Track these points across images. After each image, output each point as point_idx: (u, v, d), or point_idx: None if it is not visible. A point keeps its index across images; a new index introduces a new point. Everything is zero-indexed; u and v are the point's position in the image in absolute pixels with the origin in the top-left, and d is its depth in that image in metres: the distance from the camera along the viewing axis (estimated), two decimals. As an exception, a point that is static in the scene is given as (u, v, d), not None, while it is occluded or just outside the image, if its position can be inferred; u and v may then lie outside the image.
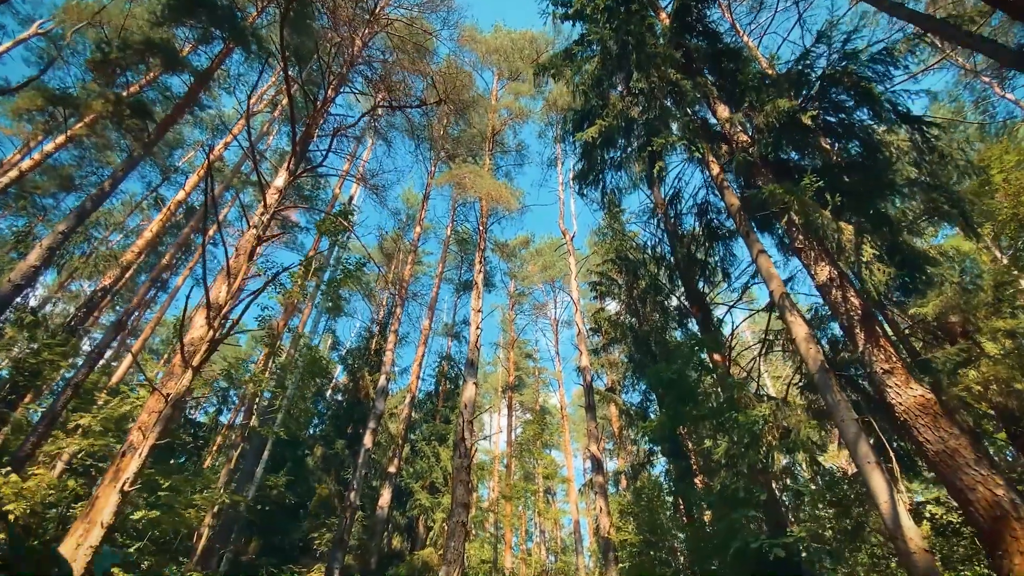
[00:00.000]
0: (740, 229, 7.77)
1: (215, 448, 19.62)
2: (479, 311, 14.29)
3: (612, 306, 21.74)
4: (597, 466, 13.58)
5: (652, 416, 18.16)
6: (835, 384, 5.84)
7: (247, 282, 10.29)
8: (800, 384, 7.96)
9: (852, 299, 6.02)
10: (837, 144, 7.15)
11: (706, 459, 15.67)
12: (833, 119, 7.12)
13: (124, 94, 14.81)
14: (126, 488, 7.19)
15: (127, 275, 17.95)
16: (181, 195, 19.11)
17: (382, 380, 15.22)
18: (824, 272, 6.41)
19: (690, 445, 16.09)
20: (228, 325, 9.18)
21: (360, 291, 30.17)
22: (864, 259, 5.76)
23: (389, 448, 18.09)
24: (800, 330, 6.43)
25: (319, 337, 25.83)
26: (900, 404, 5.18)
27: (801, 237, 6.89)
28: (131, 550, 7.08)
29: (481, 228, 16.08)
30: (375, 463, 18.83)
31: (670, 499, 13.38)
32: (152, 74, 18.02)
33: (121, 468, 7.45)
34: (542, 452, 17.74)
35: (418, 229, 20.35)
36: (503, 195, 14.62)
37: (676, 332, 21.09)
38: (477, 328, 13.82)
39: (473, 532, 17.60)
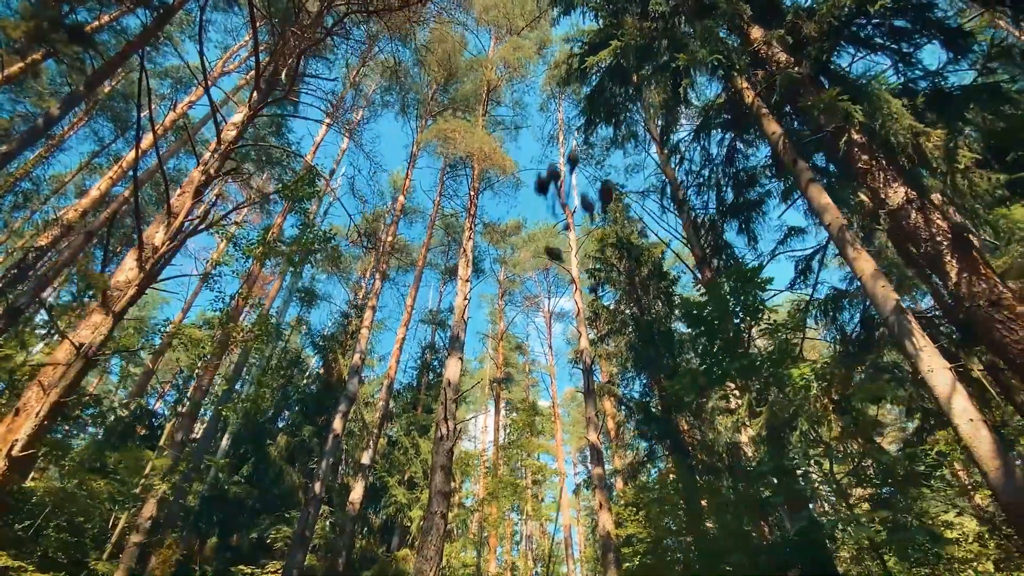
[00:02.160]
0: (784, 159, 6.73)
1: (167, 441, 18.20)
2: (467, 281, 13.15)
3: (609, 299, 20.76)
4: (596, 456, 12.48)
5: (654, 411, 17.18)
6: (916, 325, 4.80)
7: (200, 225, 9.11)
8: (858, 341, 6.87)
9: (938, 221, 4.98)
10: (908, 47, 6.13)
11: (710, 455, 14.67)
12: (905, 22, 6.10)
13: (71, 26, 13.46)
14: (15, 454, 5.96)
15: (78, 237, 16.54)
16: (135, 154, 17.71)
17: (356, 358, 13.98)
18: (899, 194, 5.37)
19: (690, 440, 15.11)
20: (159, 264, 7.99)
21: (335, 273, 28.86)
22: (959, 166, 4.73)
23: (363, 438, 16.84)
24: (866, 266, 5.39)
25: (288, 324, 24.40)
26: (1016, 343, 4.14)
27: (865, 157, 5.85)
28: (18, 529, 5.85)
29: (472, 193, 14.95)
30: (347, 454, 17.57)
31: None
32: (109, 16, 16.67)
33: (11, 430, 6.20)
34: (533, 443, 16.63)
35: (401, 199, 19.16)
36: (496, 153, 13.50)
37: (681, 325, 20.14)
38: (465, 299, 12.67)
39: (455, 532, 16.45)
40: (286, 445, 15.78)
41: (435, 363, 23.99)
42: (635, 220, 22.02)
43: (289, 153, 17.32)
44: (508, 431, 19.23)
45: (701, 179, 9.08)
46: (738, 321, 5.61)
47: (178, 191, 9.41)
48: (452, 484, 10.62)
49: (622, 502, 15.12)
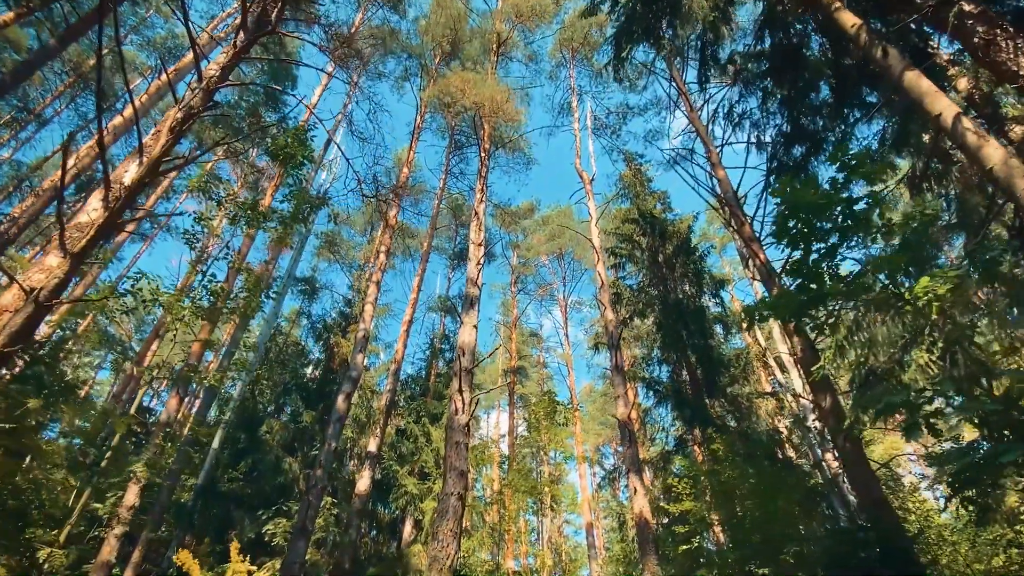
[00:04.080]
0: (870, 50, 5.74)
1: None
2: (480, 245, 12.27)
3: (632, 281, 19.75)
4: (628, 437, 11.52)
5: (686, 395, 16.15)
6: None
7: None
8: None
9: (1101, 85, 4.00)
10: None
11: (746, 442, 13.66)
12: None
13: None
14: (-54, 408, 5.15)
15: (45, 194, 15.81)
16: (118, 120, 17.03)
17: (360, 335, 13.11)
18: (1038, 61, 4.40)
19: (722, 426, 14.13)
20: (126, 202, 7.16)
21: (336, 261, 28.05)
22: None
23: (369, 426, 16.01)
24: (995, 153, 4.40)
25: (282, 318, 23.46)
26: None
27: (984, 28, 4.88)
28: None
29: (483, 155, 14.06)
30: (352, 443, 16.74)
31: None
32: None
33: (-56, 382, 5.39)
34: (552, 429, 15.70)
35: (406, 171, 18.30)
36: (508, 104, 12.57)
37: (712, 304, 19.05)
38: (478, 264, 11.80)
39: (470, 527, 15.56)
40: (285, 433, 14.96)
41: (445, 348, 23.12)
42: (658, 193, 20.93)
43: (281, 119, 16.53)
44: (528, 419, 18.37)
45: (765, 87, 8.02)
46: (835, 230, 4.67)
47: (152, 130, 8.57)
48: (469, 464, 9.75)
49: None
